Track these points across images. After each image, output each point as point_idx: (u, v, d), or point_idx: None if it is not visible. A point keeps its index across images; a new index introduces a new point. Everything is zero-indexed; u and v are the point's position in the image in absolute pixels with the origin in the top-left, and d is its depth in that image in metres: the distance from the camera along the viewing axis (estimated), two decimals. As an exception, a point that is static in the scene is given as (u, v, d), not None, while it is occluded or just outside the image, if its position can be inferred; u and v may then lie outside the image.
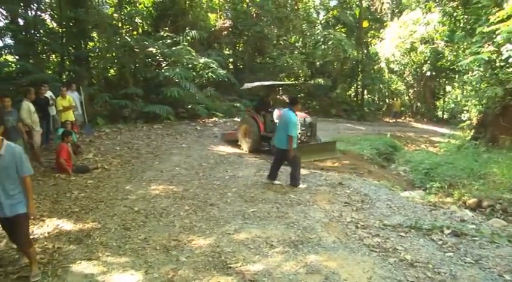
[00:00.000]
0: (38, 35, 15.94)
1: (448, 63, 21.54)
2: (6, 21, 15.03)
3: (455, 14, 18.68)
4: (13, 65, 14.42)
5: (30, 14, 15.27)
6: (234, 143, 12.52)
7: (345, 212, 6.24)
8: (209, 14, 23.51)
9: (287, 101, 14.92)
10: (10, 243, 5.12)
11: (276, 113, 10.88)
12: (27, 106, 9.03)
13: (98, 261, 4.58)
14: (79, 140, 11.31)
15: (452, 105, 27.74)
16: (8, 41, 15.35)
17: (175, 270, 4.27)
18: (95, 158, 10.30)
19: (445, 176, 10.21)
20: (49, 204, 6.78)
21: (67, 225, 5.77)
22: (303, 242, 4.95)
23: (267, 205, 6.53)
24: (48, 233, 5.49)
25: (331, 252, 4.66)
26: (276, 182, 7.91)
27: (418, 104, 29.63)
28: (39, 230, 5.60)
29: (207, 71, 17.29)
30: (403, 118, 28.01)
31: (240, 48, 24.47)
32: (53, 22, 17.46)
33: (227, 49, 24.74)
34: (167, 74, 15.79)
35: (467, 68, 14.58)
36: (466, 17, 17.39)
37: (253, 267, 4.30)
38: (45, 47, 16.59)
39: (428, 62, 24.42)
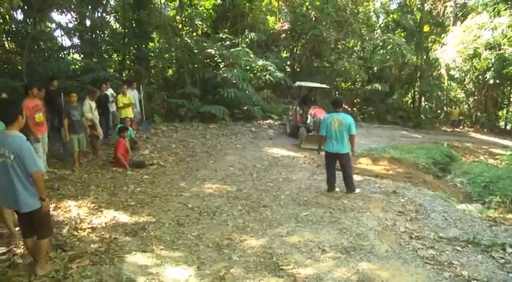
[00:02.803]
0: (102, 35, 16.69)
1: (514, 71, 20.46)
2: (76, 22, 15.85)
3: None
4: (78, 63, 15.10)
5: (96, 15, 16.02)
6: (289, 145, 13.12)
7: (398, 221, 6.10)
8: (268, 17, 23.61)
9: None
10: (72, 230, 5.44)
11: (313, 112, 12.73)
12: (89, 105, 9.49)
13: (152, 253, 4.73)
14: (136, 136, 11.71)
15: (516, 116, 26.46)
16: (76, 40, 16.21)
17: (227, 268, 4.34)
18: (151, 154, 10.67)
19: (507, 191, 9.66)
20: (107, 196, 7.07)
21: (123, 217, 6.00)
22: (356, 249, 4.89)
23: (320, 209, 6.50)
24: (106, 223, 5.72)
25: (383, 261, 4.58)
26: (337, 189, 7.83)
27: (478, 114, 28.33)
28: (97, 220, 5.85)
29: (264, 73, 17.40)
30: (461, 127, 26.86)
31: (298, 52, 24.39)
32: (116, 23, 18.23)
33: (285, 52, 24.76)
34: (225, 75, 16.04)
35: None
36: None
37: (305, 271, 4.30)
38: (108, 47, 17.35)
39: (492, 69, 23.26)
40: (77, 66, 15.25)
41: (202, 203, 6.78)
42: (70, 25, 15.72)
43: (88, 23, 16.04)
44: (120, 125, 10.29)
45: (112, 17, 18.09)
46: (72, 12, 15.39)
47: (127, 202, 6.73)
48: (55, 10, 14.39)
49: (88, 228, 5.51)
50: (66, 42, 16.06)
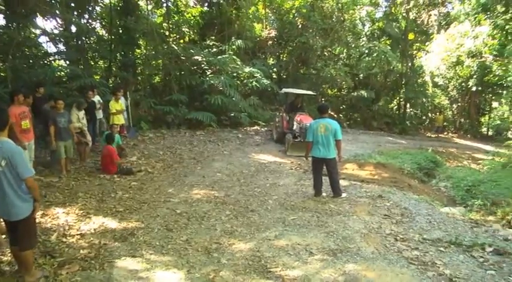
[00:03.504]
0: (88, 41, 16.63)
1: (496, 78, 20.86)
2: (61, 28, 15.77)
3: (507, 27, 18.04)
4: (64, 69, 14.99)
5: (81, 22, 15.98)
6: (276, 151, 13.22)
7: (384, 224, 6.22)
8: (255, 24, 23.76)
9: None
10: (60, 236, 5.46)
11: (300, 118, 12.84)
12: (76, 115, 9.53)
13: (142, 258, 4.77)
14: (123, 143, 11.70)
15: (498, 122, 26.85)
16: (61, 47, 16.11)
17: (217, 272, 4.41)
18: (138, 161, 10.68)
19: (488, 194, 9.91)
20: (95, 202, 7.08)
21: (112, 223, 6.02)
22: (342, 251, 4.99)
23: (307, 214, 6.60)
24: (94, 229, 5.74)
25: (369, 263, 4.69)
26: (324, 194, 7.93)
27: (462, 120, 28.84)
28: (86, 226, 5.87)
29: (251, 80, 17.52)
30: (445, 133, 27.30)
31: (284, 58, 24.59)
32: (103, 30, 18.19)
33: (271, 59, 24.94)
34: (212, 81, 16.11)
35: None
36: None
37: (293, 273, 4.39)
38: (94, 54, 17.28)
39: (475, 76, 23.73)
40: (62, 73, 15.14)
41: (191, 209, 6.83)
42: (55, 31, 15.64)
43: (74, 29, 16.00)
44: (107, 132, 10.30)
45: (98, 24, 18.00)
46: (57, 18, 15.33)
47: (115, 208, 6.75)
48: (39, 16, 14.30)
49: (77, 234, 5.53)
50: (51, 48, 15.95)
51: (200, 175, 9.54)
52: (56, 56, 16.00)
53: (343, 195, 7.79)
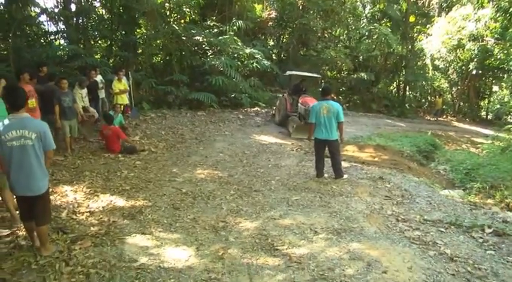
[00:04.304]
0: (88, 21, 16.52)
1: (497, 62, 20.86)
2: (61, 7, 15.63)
3: (511, 10, 17.89)
4: (65, 49, 14.91)
5: (82, 0, 15.87)
6: (276, 132, 13.41)
7: (385, 205, 6.37)
8: (255, 5, 23.56)
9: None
10: (70, 213, 5.59)
11: (305, 100, 12.69)
12: (79, 94, 9.60)
13: (151, 235, 4.91)
14: (126, 123, 11.76)
15: (498, 106, 26.95)
16: (61, 26, 15.99)
17: (225, 249, 4.55)
18: (141, 141, 10.78)
19: (487, 177, 10.06)
20: (101, 181, 7.21)
21: (120, 201, 6.16)
22: (346, 231, 5.14)
23: (309, 194, 6.74)
24: (103, 207, 5.89)
25: (373, 242, 4.84)
26: (325, 175, 8.04)
27: (461, 103, 28.90)
28: (94, 204, 6.02)
29: (251, 61, 17.47)
30: (444, 117, 27.34)
31: (285, 40, 24.47)
32: (103, 9, 18.01)
33: (271, 40, 24.81)
34: (213, 62, 16.08)
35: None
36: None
37: (299, 251, 4.53)
38: (95, 33, 17.17)
39: (475, 60, 23.70)
40: (63, 52, 15.08)
41: (196, 188, 6.96)
42: (55, 10, 15.50)
43: (74, 8, 15.86)
44: (105, 112, 10.37)
45: (98, 3, 17.82)
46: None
47: (122, 187, 6.88)
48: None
49: (86, 212, 5.67)
50: (51, 27, 15.85)
51: (203, 155, 9.65)
52: (57, 35, 15.92)
53: (345, 176, 7.91)
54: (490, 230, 5.40)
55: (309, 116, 8.22)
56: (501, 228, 5.51)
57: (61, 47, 15.20)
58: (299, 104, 13.16)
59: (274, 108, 15.96)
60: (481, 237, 5.18)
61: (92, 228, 5.06)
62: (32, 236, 4.43)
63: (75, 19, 15.94)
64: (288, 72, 15.33)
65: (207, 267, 4.10)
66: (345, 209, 5.99)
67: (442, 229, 5.40)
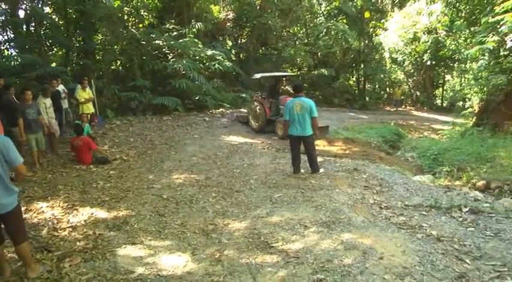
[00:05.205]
0: (41, 28, 15.98)
1: (450, 53, 21.79)
2: (8, 15, 15.00)
3: (457, 5, 18.90)
4: (19, 58, 14.32)
5: (30, 6, 15.33)
6: (244, 132, 13.37)
7: (366, 195, 6.52)
8: (212, 6, 23.51)
9: (290, 90, 15.30)
10: (51, 231, 5.40)
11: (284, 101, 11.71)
12: (43, 103, 9.26)
13: (142, 245, 4.82)
14: (92, 132, 11.48)
15: (451, 94, 28.08)
16: (9, 34, 15.37)
17: (220, 251, 4.53)
18: (111, 150, 10.53)
19: (453, 161, 10.52)
20: (78, 194, 6.99)
21: (101, 213, 6.00)
22: (335, 222, 5.22)
23: (291, 190, 6.80)
24: (85, 221, 5.70)
25: (363, 231, 4.95)
26: (302, 171, 8.10)
27: (418, 93, 29.86)
28: (74, 218, 5.82)
29: (213, 63, 17.42)
30: (403, 107, 28.21)
31: (243, 40, 24.55)
32: (57, 15, 17.46)
33: (230, 40, 24.84)
34: (175, 65, 15.93)
35: (471, 57, 14.89)
36: (469, 7, 17.66)
37: (294, 246, 4.57)
38: (49, 40, 16.62)
39: (429, 51, 24.60)
40: (16, 62, 14.48)
41: (176, 193, 6.89)
42: (2, 18, 14.90)
43: (22, 14, 15.30)
44: (76, 123, 10.09)
45: (49, 9, 17.19)
46: (2, 3, 14.58)
47: (100, 198, 6.71)
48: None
49: (68, 227, 5.48)
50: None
51: (176, 160, 9.56)
52: (6, 45, 15.32)
53: (321, 170, 8.03)
54: (467, 209, 5.69)
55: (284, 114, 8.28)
56: (475, 206, 5.86)
57: (15, 57, 14.59)
58: (281, 106, 12.25)
59: (247, 113, 14.56)
60: (460, 217, 5.44)
61: (78, 244, 4.90)
62: (2, 264, 4.12)
63: (25, 26, 15.40)
64: (258, 75, 14.33)
65: (207, 271, 4.07)
66: (329, 202, 6.08)
67: (424, 212, 5.60)
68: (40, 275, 4.11)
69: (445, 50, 21.87)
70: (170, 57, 17.42)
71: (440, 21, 21.08)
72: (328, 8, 27.33)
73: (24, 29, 15.68)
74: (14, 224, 3.99)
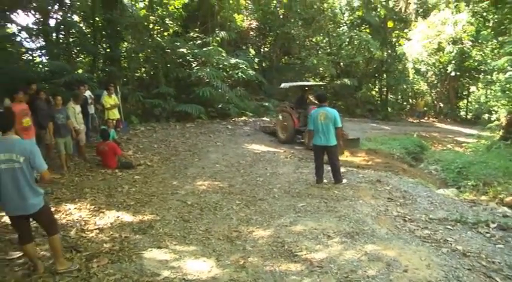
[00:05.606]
0: (69, 36, 16.41)
1: (476, 64, 21.52)
2: (40, 23, 15.46)
3: (484, 14, 18.67)
4: (50, 65, 14.72)
5: (61, 15, 15.77)
6: (267, 141, 13.33)
7: (390, 207, 6.49)
8: (235, 15, 23.75)
9: (313, 99, 15.22)
10: (79, 232, 5.53)
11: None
12: (72, 108, 9.48)
13: (168, 249, 4.90)
14: (117, 137, 11.69)
15: (476, 106, 27.66)
16: (41, 42, 15.83)
17: (245, 258, 4.58)
18: (135, 155, 10.71)
19: (479, 175, 10.35)
20: (104, 197, 7.13)
21: (127, 216, 6.11)
22: (358, 233, 5.22)
23: (314, 200, 6.81)
24: (111, 223, 5.82)
25: (386, 243, 4.93)
26: (325, 181, 8.10)
27: (441, 104, 29.51)
28: (101, 221, 5.94)
29: (236, 71, 17.59)
30: (426, 118, 27.92)
31: (266, 49, 24.73)
32: (84, 23, 17.93)
33: (253, 49, 25.02)
34: (199, 73, 16.13)
35: (498, 68, 14.67)
36: (497, 16, 17.40)
37: (318, 255, 4.59)
38: (77, 48, 17.07)
39: (453, 62, 24.32)
40: (46, 69, 14.91)
41: (200, 200, 6.97)
42: (34, 26, 15.35)
43: (53, 23, 15.75)
44: (102, 128, 10.30)
45: (77, 17, 17.68)
46: (34, 12, 15.03)
47: (126, 202, 6.83)
48: (19, 11, 14.00)
49: (95, 229, 5.60)
50: (30, 44, 15.67)
51: (199, 167, 9.66)
52: (37, 52, 15.76)
53: (344, 181, 8.02)
54: (494, 225, 5.59)
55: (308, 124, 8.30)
56: (504, 222, 5.73)
57: (46, 64, 15.02)
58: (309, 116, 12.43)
59: (274, 123, 14.54)
60: (487, 232, 5.35)
61: (105, 245, 5.02)
62: (35, 261, 4.33)
63: (54, 34, 15.83)
64: (286, 85, 14.28)
65: (231, 277, 4.12)
66: (352, 213, 6.08)
67: (449, 227, 5.55)
68: (67, 270, 4.25)
69: (471, 60, 21.58)
70: (194, 65, 17.69)
71: (465, 31, 20.83)
72: (351, 17, 27.32)
73: (54, 37, 16.14)
74: (44, 220, 4.26)
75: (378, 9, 25.88)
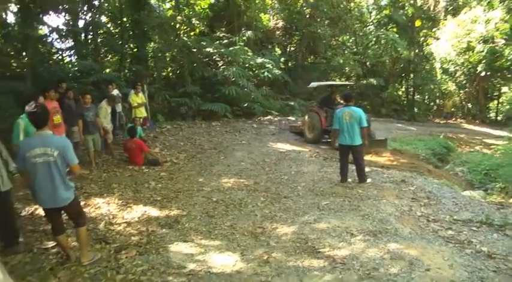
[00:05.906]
0: (98, 36, 16.82)
1: (509, 63, 20.88)
2: (70, 24, 15.91)
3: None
4: (79, 64, 15.12)
5: (90, 16, 16.21)
6: (292, 140, 13.39)
7: (413, 207, 6.48)
8: (262, 15, 23.86)
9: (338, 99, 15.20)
10: (108, 225, 5.73)
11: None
12: (105, 109, 9.76)
13: (193, 243, 5.05)
14: (143, 135, 11.92)
15: (508, 107, 26.92)
16: (70, 42, 16.28)
17: (269, 253, 4.68)
18: (162, 152, 10.92)
19: (508, 177, 10.14)
20: (131, 193, 7.36)
21: (153, 211, 6.30)
22: (381, 232, 5.25)
23: (338, 199, 6.86)
24: (138, 218, 6.02)
25: (409, 242, 4.94)
26: (349, 180, 8.13)
27: (470, 105, 28.89)
28: (128, 215, 6.15)
29: (262, 71, 17.69)
30: (453, 119, 27.38)
31: (292, 48, 24.73)
32: (112, 24, 18.34)
33: (279, 48, 25.06)
34: (225, 73, 16.29)
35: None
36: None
37: (340, 252, 4.65)
38: (105, 48, 17.49)
39: (484, 61, 23.74)
40: (75, 68, 15.34)
41: (225, 196, 7.10)
42: (64, 27, 15.79)
43: (81, 24, 16.17)
44: (130, 126, 10.53)
45: (105, 18, 18.11)
46: (65, 14, 15.46)
47: (152, 198, 7.03)
48: (51, 12, 14.42)
49: (123, 222, 5.81)
50: (60, 45, 16.17)
51: (225, 164, 9.81)
52: (67, 52, 16.22)
53: (368, 180, 8.03)
54: (523, 228, 5.48)
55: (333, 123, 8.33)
56: (533, 225, 5.60)
57: (75, 63, 15.45)
58: None
59: (301, 123, 14.63)
60: (515, 235, 5.26)
61: (132, 238, 5.20)
62: (67, 251, 4.57)
63: (83, 35, 16.24)
64: (314, 84, 14.25)
65: (255, 271, 4.23)
66: (376, 212, 6.10)
67: (474, 228, 5.50)
68: (90, 261, 4.46)
69: (503, 60, 20.95)
70: (220, 64, 17.85)
71: (498, 29, 20.26)
72: (378, 16, 27.05)
73: (83, 38, 16.58)
74: (74, 212, 4.50)
75: (406, 8, 25.54)
